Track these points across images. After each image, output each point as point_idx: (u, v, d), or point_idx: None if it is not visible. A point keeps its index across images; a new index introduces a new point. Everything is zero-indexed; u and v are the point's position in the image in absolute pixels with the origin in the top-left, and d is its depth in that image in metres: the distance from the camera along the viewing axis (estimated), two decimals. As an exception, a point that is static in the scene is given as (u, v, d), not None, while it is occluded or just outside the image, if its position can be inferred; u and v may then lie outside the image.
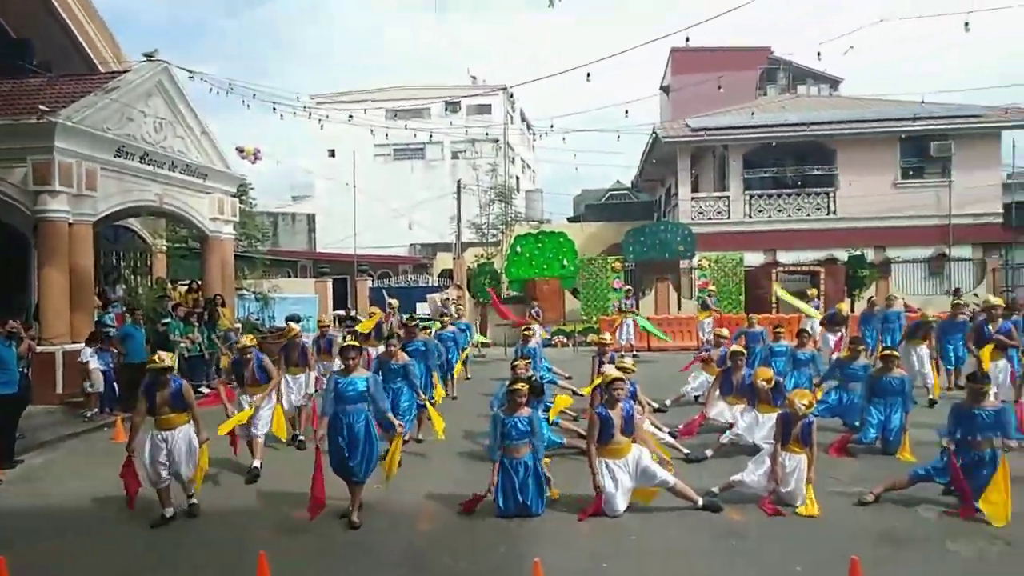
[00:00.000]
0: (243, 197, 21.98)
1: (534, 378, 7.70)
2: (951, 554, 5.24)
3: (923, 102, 22.12)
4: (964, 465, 6.05)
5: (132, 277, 16.77)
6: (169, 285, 16.48)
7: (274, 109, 17.38)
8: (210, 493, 6.96)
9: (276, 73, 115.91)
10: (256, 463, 7.76)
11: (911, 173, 23.32)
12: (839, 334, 13.26)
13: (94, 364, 10.98)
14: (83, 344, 11.12)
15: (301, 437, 9.12)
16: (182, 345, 12.80)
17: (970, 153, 22.25)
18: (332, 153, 40.58)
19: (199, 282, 16.34)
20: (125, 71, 14.08)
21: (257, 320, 17.88)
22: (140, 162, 13.38)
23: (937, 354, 11.47)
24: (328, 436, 6.26)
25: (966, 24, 13.59)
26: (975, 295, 18.36)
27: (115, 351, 11.48)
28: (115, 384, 11.34)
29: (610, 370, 6.56)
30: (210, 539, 6.11)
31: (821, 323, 14.07)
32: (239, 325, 15.52)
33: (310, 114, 18.95)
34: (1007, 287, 21.80)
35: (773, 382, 8.00)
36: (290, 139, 72.57)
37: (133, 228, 16.68)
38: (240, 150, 17.84)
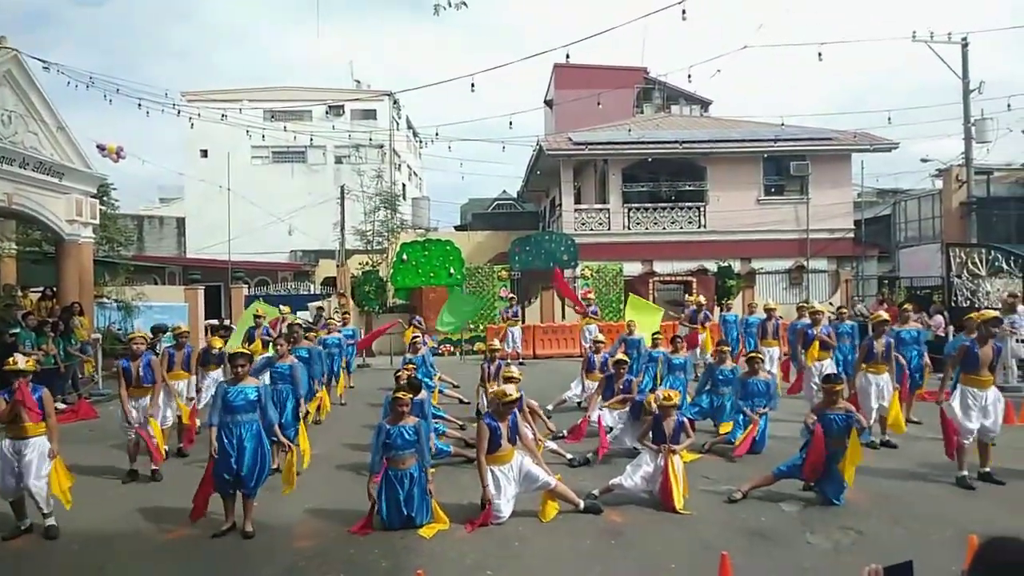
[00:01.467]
0: (104, 198, 20.43)
1: (412, 376, 7.67)
2: (811, 546, 5.63)
3: (783, 124, 23.89)
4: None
5: (-27, 284, 15.20)
6: (18, 292, 15.05)
7: (139, 105, 16.33)
8: (73, 510, 6.36)
9: (142, 69, 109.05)
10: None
11: (773, 190, 25.09)
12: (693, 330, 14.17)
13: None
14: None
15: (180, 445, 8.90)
16: (32, 357, 11.69)
17: (825, 173, 24.25)
18: (204, 154, 38.48)
19: (53, 289, 15.04)
20: (-35, 57, 12.78)
21: (119, 330, 16.66)
22: (-16, 158, 12.20)
23: (788, 355, 12.51)
24: (218, 447, 6.00)
25: (819, 54, 14.87)
26: (830, 303, 19.93)
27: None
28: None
29: (509, 389, 6.60)
30: (67, 563, 5.60)
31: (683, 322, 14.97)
32: (98, 336, 14.43)
33: (179, 111, 17.94)
34: (859, 296, 23.85)
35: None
36: (158, 138, 68.50)
37: (-24, 230, 15.18)
38: (101, 148, 16.55)
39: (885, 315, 9.31)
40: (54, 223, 14.35)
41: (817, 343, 10.41)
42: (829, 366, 10.22)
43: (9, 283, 15.66)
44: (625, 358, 9.51)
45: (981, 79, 20.52)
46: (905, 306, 11.43)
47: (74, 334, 13.23)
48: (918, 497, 6.72)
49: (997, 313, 7.57)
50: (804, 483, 6.78)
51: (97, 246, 17.67)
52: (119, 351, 14.69)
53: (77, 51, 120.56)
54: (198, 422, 9.14)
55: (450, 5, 7.66)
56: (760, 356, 9.14)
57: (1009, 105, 20.33)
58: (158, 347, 9.84)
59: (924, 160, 27.64)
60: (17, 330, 11.83)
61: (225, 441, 6.00)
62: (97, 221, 16.10)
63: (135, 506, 6.81)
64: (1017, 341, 12.38)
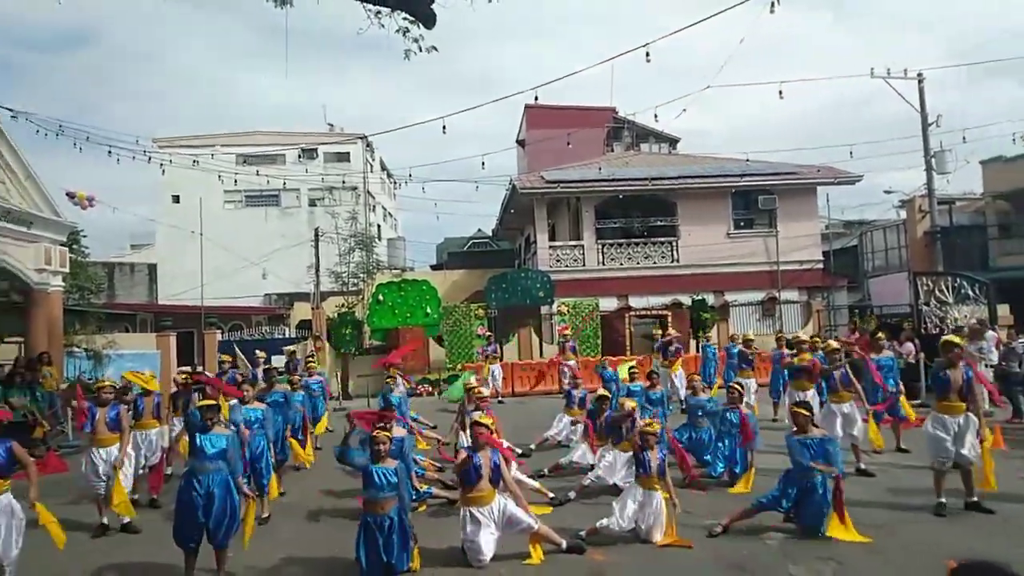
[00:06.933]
0: (74, 246, 20.23)
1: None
2: (792, 576, 5.63)
3: (748, 160, 24.46)
4: (799, 491, 6.59)
5: (-64, 336, 14.86)
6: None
7: (110, 152, 16.28)
8: (42, 567, 6.13)
9: (108, 115, 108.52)
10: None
11: (742, 224, 25.55)
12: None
13: None
14: None
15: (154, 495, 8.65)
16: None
17: (792, 206, 24.79)
18: (176, 199, 38.34)
19: (21, 339, 14.73)
20: (-69, 107, 12.70)
21: (89, 380, 16.30)
22: (-50, 208, 12.04)
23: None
24: (181, 498, 5.81)
25: (780, 92, 15.37)
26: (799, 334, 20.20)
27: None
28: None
29: (475, 415, 6.61)
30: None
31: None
32: (65, 386, 14.10)
33: (150, 158, 17.92)
34: (830, 326, 24.21)
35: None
36: (129, 184, 68.13)
37: (-61, 280, 14.85)
38: (71, 195, 16.41)
39: (835, 344, 9.60)
40: (22, 272, 14.12)
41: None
42: (812, 396, 10.24)
43: (-26, 335, 15.33)
44: (607, 393, 9.54)
45: (939, 113, 21.25)
46: (879, 335, 11.62)
47: (40, 385, 12.92)
48: (898, 525, 6.75)
49: (955, 338, 7.66)
50: (784, 515, 6.79)
51: (67, 294, 17.40)
52: (89, 400, 14.39)
53: (38, 97, 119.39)
54: (169, 469, 8.96)
55: (421, 50, 7.82)
56: (739, 387, 9.20)
57: (964, 138, 21.10)
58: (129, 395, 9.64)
59: (888, 191, 28.55)
60: (-18, 383, 11.54)
61: (193, 492, 5.78)
62: (67, 269, 15.87)
63: (106, 561, 6.60)
64: (986, 366, 12.59)
